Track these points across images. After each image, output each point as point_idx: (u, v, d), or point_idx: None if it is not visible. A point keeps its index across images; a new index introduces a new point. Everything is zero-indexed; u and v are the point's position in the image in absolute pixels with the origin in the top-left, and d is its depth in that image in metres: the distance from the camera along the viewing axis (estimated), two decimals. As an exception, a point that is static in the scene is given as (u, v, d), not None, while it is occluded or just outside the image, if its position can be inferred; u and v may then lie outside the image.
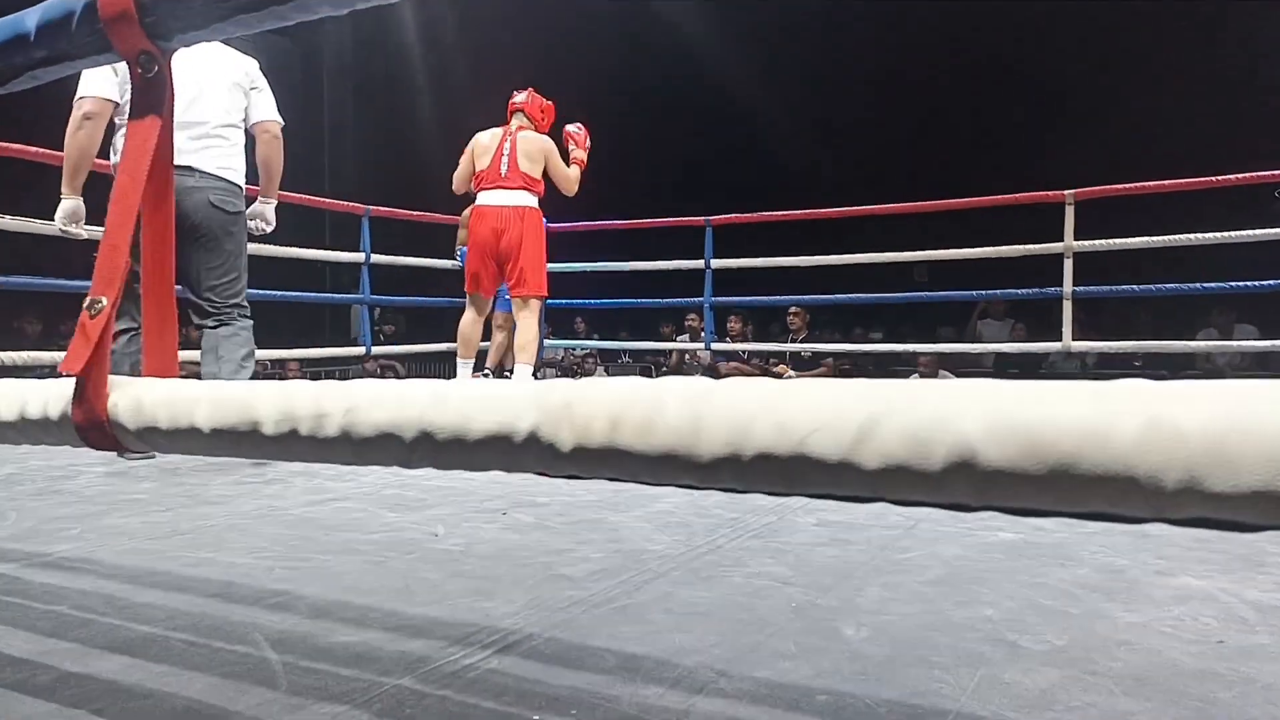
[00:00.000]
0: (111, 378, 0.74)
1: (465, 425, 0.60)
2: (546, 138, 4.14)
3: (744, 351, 7.37)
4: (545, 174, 4.13)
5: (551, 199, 4.29)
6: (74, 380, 0.76)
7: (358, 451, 0.65)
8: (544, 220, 4.19)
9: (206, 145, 2.75)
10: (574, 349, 8.75)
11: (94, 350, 0.72)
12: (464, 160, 4.23)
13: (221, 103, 2.80)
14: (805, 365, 7.36)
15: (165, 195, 0.83)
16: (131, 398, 0.73)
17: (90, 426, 0.73)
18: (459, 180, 4.28)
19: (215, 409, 0.69)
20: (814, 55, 9.73)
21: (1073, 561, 1.36)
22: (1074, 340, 5.46)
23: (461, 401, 0.61)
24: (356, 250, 5.73)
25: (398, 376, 9.48)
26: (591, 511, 1.81)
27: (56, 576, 1.42)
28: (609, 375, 8.63)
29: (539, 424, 0.58)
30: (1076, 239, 5.22)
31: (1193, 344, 6.14)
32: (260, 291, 4.02)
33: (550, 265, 6.78)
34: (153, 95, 0.84)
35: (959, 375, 7.41)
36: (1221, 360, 8.05)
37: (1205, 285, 5.25)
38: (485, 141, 4.15)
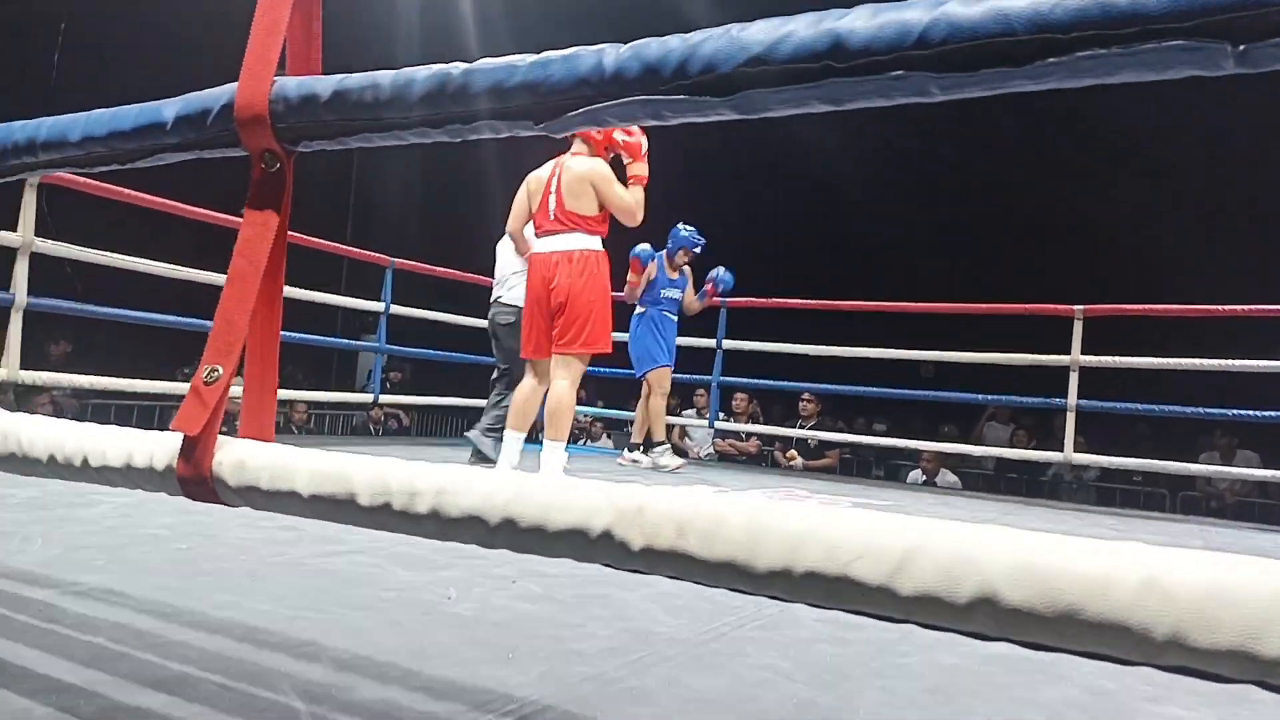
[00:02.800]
0: (220, 438, 0.83)
1: (545, 518, 0.68)
2: (597, 161, 3.46)
3: (745, 434, 7.44)
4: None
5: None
6: (179, 436, 0.85)
7: (443, 530, 0.73)
8: (605, 265, 3.52)
9: None
10: (580, 414, 8.82)
11: (210, 415, 0.81)
12: (517, 199, 3.75)
13: None
14: (811, 453, 7.42)
15: (277, 277, 0.93)
16: (236, 459, 0.82)
17: (194, 481, 0.82)
18: (512, 220, 3.84)
19: (314, 478, 0.77)
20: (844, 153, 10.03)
21: (1064, 680, 1.42)
22: (1075, 452, 5.54)
23: (543, 496, 0.69)
24: (376, 299, 5.88)
25: (401, 425, 9.53)
26: (598, 586, 1.87)
27: (90, 607, 1.48)
28: (612, 441, 8.70)
29: (612, 524, 0.66)
30: (1084, 353, 5.35)
31: (1192, 466, 6.21)
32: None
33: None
34: (271, 190, 0.94)
35: (960, 475, 7.47)
36: (1222, 484, 8.10)
37: (1208, 410, 5.35)
38: (538, 178, 3.65)
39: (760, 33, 0.64)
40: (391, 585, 1.79)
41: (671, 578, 0.66)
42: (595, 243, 3.46)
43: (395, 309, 5.95)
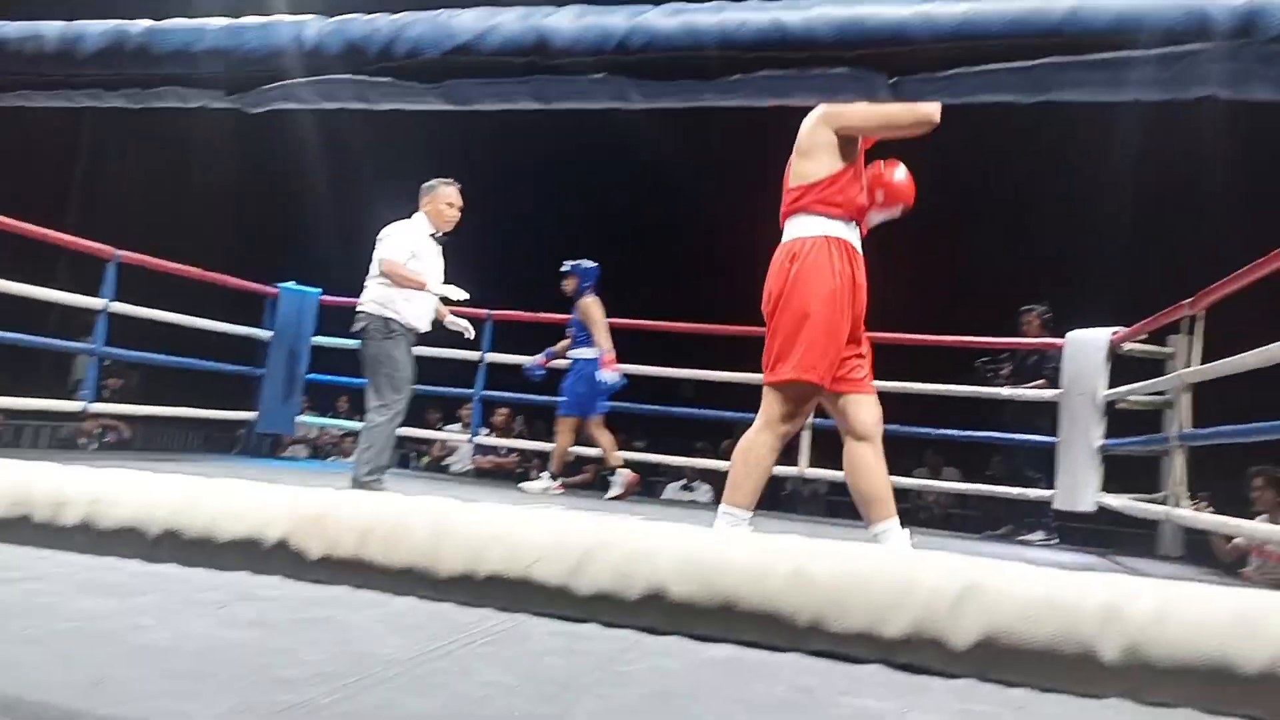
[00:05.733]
0: None
1: (213, 528, 0.62)
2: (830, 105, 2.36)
3: (505, 449, 7.38)
4: (843, 153, 2.41)
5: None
6: None
7: (96, 544, 0.64)
8: (823, 256, 2.42)
9: None
10: (330, 429, 8.35)
11: None
12: None
13: None
14: (571, 469, 7.48)
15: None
16: None
17: None
18: None
19: (-72, 484, 0.65)
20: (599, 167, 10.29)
21: (773, 679, 1.51)
22: (808, 467, 6.01)
23: (214, 504, 0.63)
24: (95, 294, 5.23)
25: (120, 438, 8.55)
26: (322, 608, 1.75)
27: None
28: (365, 459, 8.30)
29: (289, 533, 0.61)
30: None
31: (905, 480, 6.93)
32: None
33: (318, 339, 6.52)
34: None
35: (715, 488, 7.90)
36: (930, 497, 9.16)
37: (919, 429, 6.01)
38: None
39: (470, 21, 0.63)
40: (70, 615, 1.57)
41: (355, 587, 0.62)
42: (813, 225, 2.42)
43: (120, 307, 5.33)
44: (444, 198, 4.19)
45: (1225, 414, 3.63)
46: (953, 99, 0.57)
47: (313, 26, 0.66)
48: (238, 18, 0.72)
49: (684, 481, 7.77)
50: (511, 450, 7.59)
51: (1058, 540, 5.58)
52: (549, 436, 7.98)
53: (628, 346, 6.77)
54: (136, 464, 5.19)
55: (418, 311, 4.12)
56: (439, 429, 8.17)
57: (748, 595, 0.53)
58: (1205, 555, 5.14)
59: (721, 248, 11.05)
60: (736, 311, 7.21)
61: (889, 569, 0.53)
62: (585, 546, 0.56)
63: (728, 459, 8.81)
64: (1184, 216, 9.58)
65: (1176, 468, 4.19)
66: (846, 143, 2.42)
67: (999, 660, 0.51)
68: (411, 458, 8.84)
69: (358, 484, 3.84)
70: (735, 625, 0.53)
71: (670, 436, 9.85)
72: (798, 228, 2.44)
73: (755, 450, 2.48)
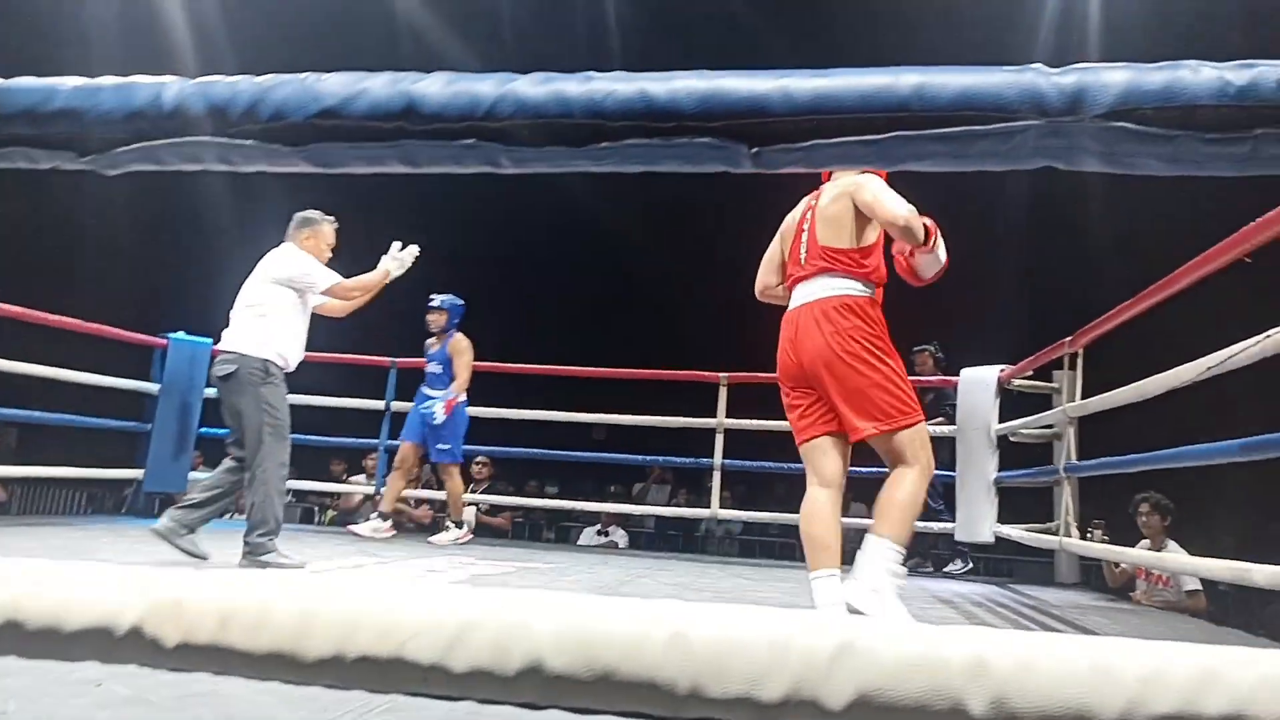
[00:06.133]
0: None
1: (59, 617, 0.57)
2: (857, 175, 2.58)
3: (414, 500, 7.19)
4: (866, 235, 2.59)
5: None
6: None
7: (-82, 639, 0.59)
8: (870, 311, 2.57)
9: None
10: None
11: None
12: (770, 247, 2.85)
13: None
14: (485, 516, 7.37)
15: None
16: None
17: None
18: (761, 272, 2.86)
19: None
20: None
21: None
22: (721, 508, 6.06)
23: (59, 590, 0.58)
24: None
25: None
26: (206, 683, 1.66)
27: None
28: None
29: (143, 620, 0.57)
30: (728, 417, 5.88)
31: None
32: None
33: (211, 391, 6.24)
34: None
35: (629, 533, 7.85)
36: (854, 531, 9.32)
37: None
38: (790, 220, 2.79)
39: (336, 85, 0.62)
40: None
41: (215, 674, 0.58)
42: (857, 287, 2.55)
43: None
44: (326, 236, 3.79)
45: (1120, 444, 3.81)
46: (812, 168, 0.59)
47: (173, 88, 0.64)
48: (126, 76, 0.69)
49: (599, 526, 7.71)
50: (421, 502, 7.40)
51: (971, 566, 5.75)
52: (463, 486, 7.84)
53: (533, 391, 6.74)
54: (13, 530, 4.84)
55: (297, 351, 3.67)
56: (344, 480, 7.92)
57: (626, 665, 0.52)
58: (1100, 581, 5.37)
59: (637, 294, 11.19)
60: (648, 356, 7.28)
61: (765, 631, 0.53)
62: (461, 621, 0.55)
63: (642, 503, 8.73)
64: (1066, 265, 10.16)
65: (1065, 498, 4.38)
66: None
67: (873, 719, 0.52)
68: (315, 511, 8.53)
69: (250, 548, 3.44)
70: (614, 696, 0.52)
71: (583, 480, 9.81)
72: (840, 286, 2.56)
73: (920, 494, 2.49)
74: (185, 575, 0.60)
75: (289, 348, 3.62)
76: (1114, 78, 0.55)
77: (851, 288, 2.54)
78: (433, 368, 5.58)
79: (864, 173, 2.54)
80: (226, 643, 0.56)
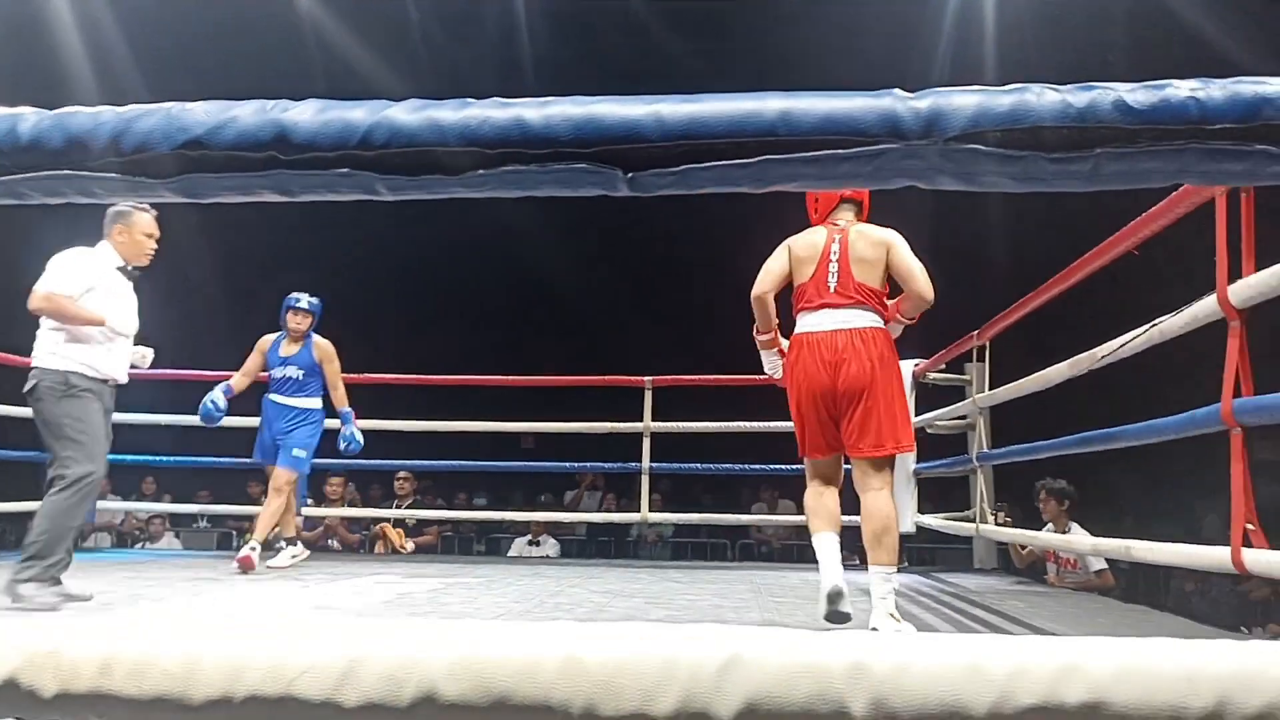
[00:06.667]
0: None
1: (-79, 675, 0.55)
2: (889, 230, 2.98)
3: (342, 519, 7.03)
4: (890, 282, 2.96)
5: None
6: None
7: None
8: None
9: None
10: (137, 513, 7.68)
11: None
12: (775, 258, 3.04)
13: None
14: (412, 531, 7.23)
15: None
16: None
17: None
18: (767, 280, 3.03)
19: None
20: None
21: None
22: (651, 511, 6.08)
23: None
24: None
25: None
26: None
27: None
28: (180, 540, 7.69)
29: (18, 671, 0.55)
30: (654, 420, 5.91)
31: (744, 517, 7.15)
32: None
33: (120, 417, 5.98)
34: None
35: (560, 540, 7.81)
36: (769, 530, 9.47)
37: (753, 466, 6.21)
38: (808, 243, 3.01)
39: (202, 115, 0.61)
40: None
41: (98, 723, 0.57)
42: (883, 322, 2.92)
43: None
44: (142, 226, 3.43)
45: (1029, 432, 3.96)
46: (687, 191, 0.60)
47: (29, 119, 0.62)
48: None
49: (530, 536, 7.66)
50: (351, 521, 7.23)
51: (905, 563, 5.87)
52: (384, 502, 7.69)
53: (460, 402, 6.66)
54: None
55: (111, 361, 3.31)
56: (261, 503, 7.68)
57: (520, 690, 0.52)
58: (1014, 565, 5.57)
59: (559, 303, 11.17)
60: (570, 364, 7.27)
61: (655, 647, 0.54)
62: (351, 656, 0.54)
63: (573, 510, 8.64)
64: (974, 267, 10.51)
65: (980, 485, 4.54)
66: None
67: (762, 726, 0.53)
68: (233, 535, 8.26)
69: (16, 583, 2.92)
70: (506, 722, 0.52)
71: (513, 491, 9.73)
72: (876, 320, 2.89)
73: (895, 512, 2.87)
74: (64, 620, 0.58)
75: (94, 356, 3.27)
76: (965, 101, 0.58)
77: (881, 322, 2.89)
78: (289, 372, 4.98)
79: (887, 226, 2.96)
80: (109, 690, 0.55)
